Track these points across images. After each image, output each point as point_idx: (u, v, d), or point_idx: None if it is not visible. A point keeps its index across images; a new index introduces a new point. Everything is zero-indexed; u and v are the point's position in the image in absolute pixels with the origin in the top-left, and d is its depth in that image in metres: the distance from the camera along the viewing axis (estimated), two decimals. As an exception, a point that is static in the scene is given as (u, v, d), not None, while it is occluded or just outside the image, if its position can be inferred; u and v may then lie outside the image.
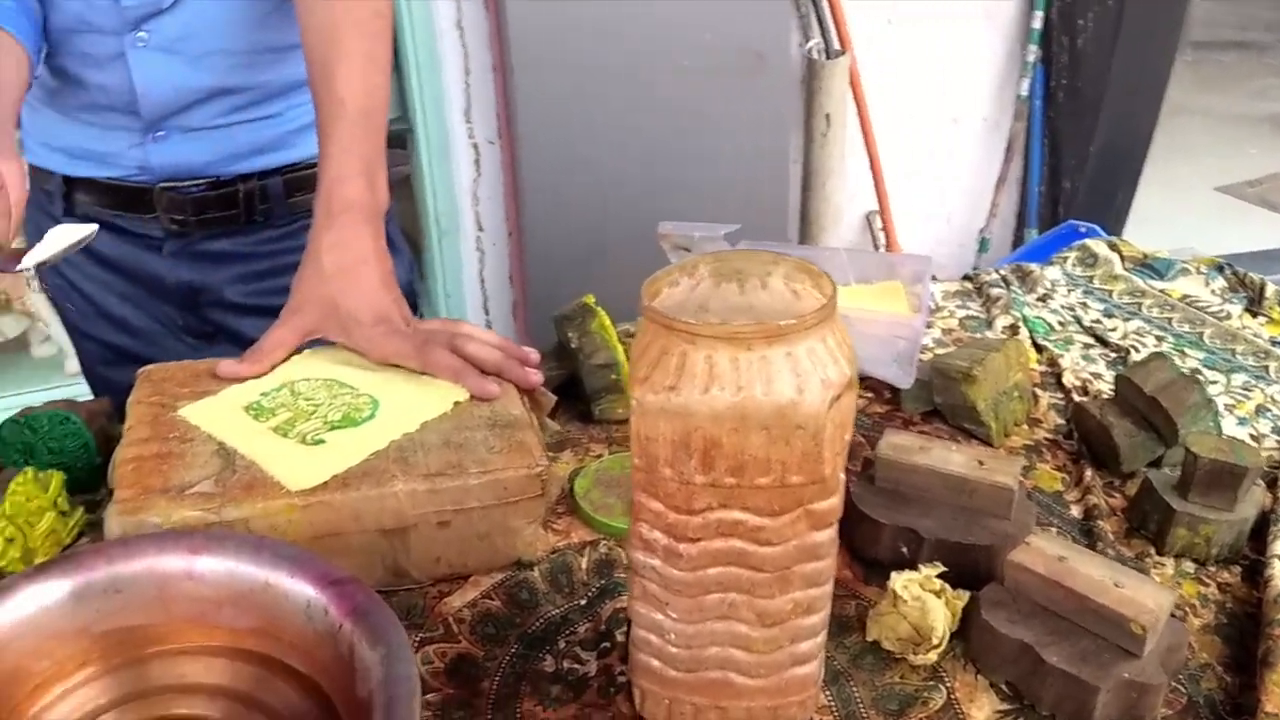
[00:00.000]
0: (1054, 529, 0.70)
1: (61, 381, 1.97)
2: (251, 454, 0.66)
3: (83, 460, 0.76)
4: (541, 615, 0.63)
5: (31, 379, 2.07)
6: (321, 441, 0.67)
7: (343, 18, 0.76)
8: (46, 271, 0.93)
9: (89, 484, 0.74)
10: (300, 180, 0.92)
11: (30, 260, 0.69)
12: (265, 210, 0.93)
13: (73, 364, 1.47)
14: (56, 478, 0.72)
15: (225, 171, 0.90)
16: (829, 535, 0.50)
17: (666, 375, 0.46)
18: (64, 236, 0.70)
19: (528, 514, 0.65)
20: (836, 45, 2.06)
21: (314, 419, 0.70)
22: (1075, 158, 2.15)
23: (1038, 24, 2.17)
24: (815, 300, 0.49)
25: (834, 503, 0.49)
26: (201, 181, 0.90)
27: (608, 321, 0.79)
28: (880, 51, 2.10)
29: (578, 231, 1.82)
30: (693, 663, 0.52)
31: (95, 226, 0.71)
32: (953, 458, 0.68)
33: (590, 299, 0.81)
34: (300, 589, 0.56)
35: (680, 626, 0.51)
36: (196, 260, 0.94)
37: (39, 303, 1.91)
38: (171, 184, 0.89)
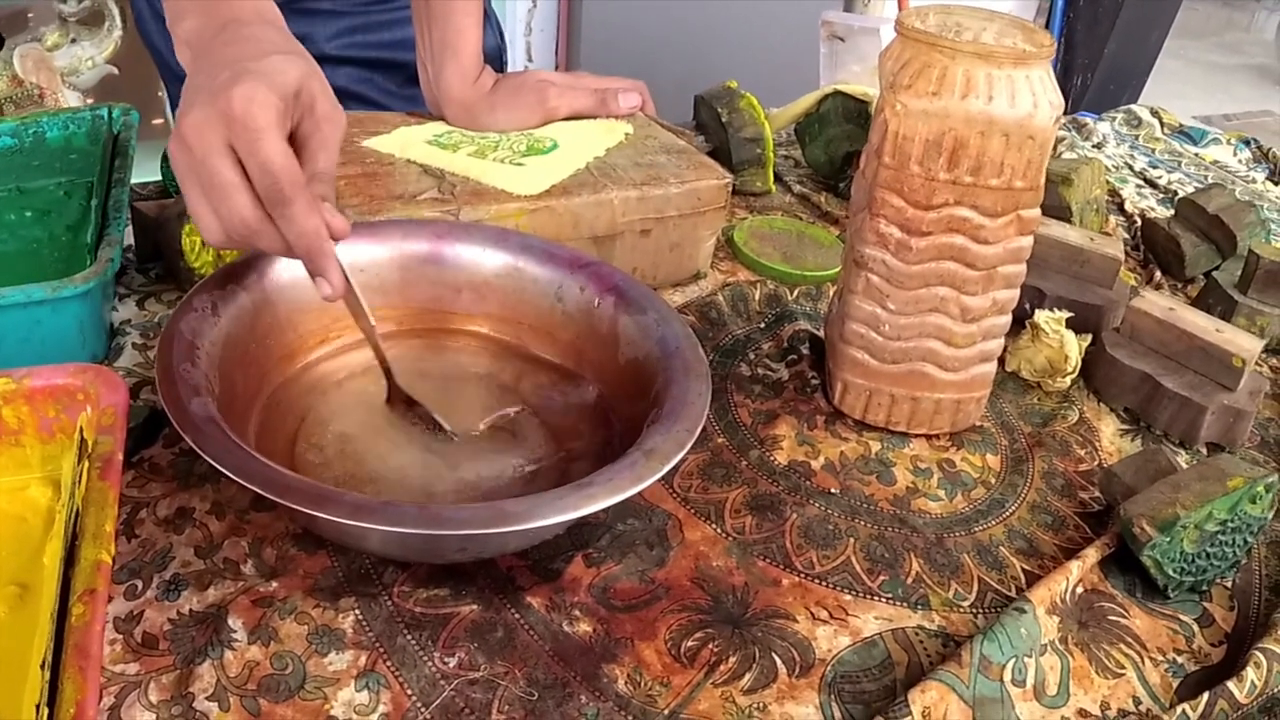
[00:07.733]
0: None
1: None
2: (461, 171, 0.70)
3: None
4: (729, 332, 0.71)
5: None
6: (521, 165, 0.71)
7: None
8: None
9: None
10: None
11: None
12: None
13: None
14: None
15: None
16: (1029, 242, 0.59)
17: (929, 84, 0.54)
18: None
19: (711, 225, 0.73)
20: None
21: (502, 149, 0.74)
22: (1087, 57, 2.26)
23: (1070, -72, 2.27)
24: (1031, 48, 0.57)
25: (1037, 212, 0.58)
26: None
27: (755, 101, 0.86)
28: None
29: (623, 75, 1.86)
30: (899, 354, 0.61)
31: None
32: (1069, 233, 0.78)
33: (734, 83, 0.88)
34: (550, 272, 0.60)
35: (895, 318, 0.60)
36: (295, 15, 0.96)
37: (72, 100, 1.88)
38: None
